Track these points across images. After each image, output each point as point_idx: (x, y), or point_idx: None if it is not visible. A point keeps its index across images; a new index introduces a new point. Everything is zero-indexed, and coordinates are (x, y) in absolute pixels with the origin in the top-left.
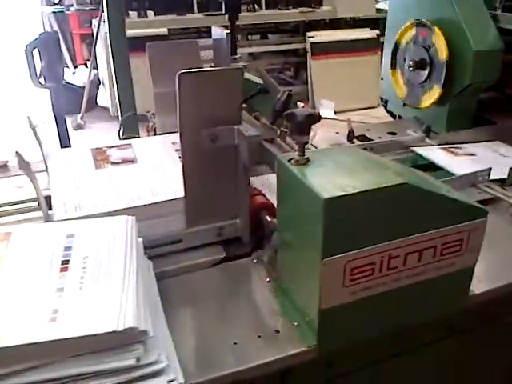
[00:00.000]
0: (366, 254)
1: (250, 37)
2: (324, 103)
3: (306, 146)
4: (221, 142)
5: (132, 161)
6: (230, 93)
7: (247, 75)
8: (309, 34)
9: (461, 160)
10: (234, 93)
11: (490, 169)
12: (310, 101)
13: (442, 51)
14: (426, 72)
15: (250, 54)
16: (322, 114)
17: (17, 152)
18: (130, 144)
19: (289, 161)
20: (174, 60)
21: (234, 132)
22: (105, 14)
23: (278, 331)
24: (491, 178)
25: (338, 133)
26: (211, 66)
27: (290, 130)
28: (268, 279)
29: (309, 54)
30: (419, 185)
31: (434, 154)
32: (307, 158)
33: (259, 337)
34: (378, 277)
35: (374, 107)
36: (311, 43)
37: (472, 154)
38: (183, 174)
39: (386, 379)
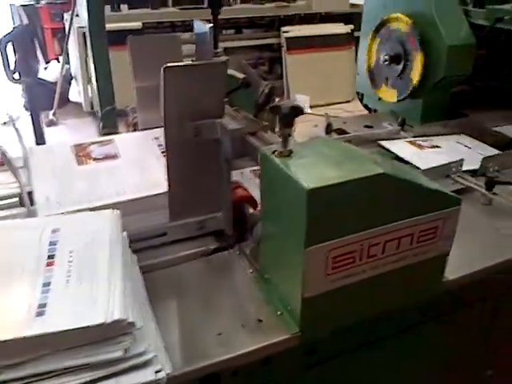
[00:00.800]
0: (348, 243)
1: (224, 31)
2: (299, 98)
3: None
4: (204, 136)
5: (114, 156)
6: (214, 86)
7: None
8: (283, 28)
9: (426, 153)
10: (218, 86)
11: (463, 160)
12: (286, 95)
13: (418, 51)
14: (401, 67)
15: (225, 48)
16: None
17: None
18: (111, 140)
19: (272, 153)
20: (156, 54)
21: (217, 125)
22: (79, 8)
23: (261, 320)
24: (464, 168)
25: (316, 126)
26: (192, 61)
27: (278, 122)
28: (251, 270)
29: (284, 49)
30: (397, 175)
31: (401, 148)
32: (290, 150)
33: (243, 326)
34: (359, 264)
35: (348, 101)
36: (286, 38)
37: (437, 146)
38: (167, 168)
39: (366, 365)
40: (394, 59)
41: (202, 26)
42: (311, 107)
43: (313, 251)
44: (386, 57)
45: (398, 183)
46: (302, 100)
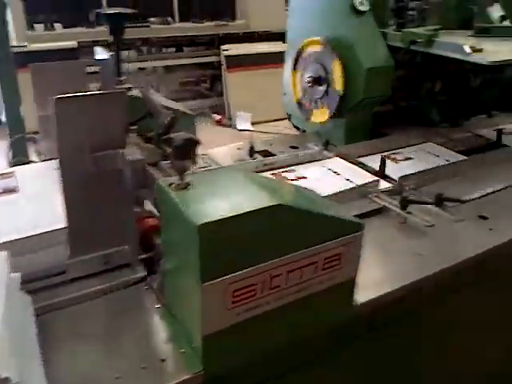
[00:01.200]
0: (247, 276)
1: (164, 49)
2: (240, 115)
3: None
4: (104, 167)
5: (13, 190)
6: (112, 117)
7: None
8: (223, 47)
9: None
10: (116, 117)
11: (378, 180)
12: (227, 113)
13: (338, 82)
14: (323, 88)
15: (166, 67)
16: (239, 127)
17: None
18: (12, 172)
19: (169, 185)
20: (59, 81)
21: (118, 156)
22: None
23: (163, 360)
24: (381, 187)
25: (239, 149)
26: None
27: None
28: (158, 305)
29: (224, 67)
30: (295, 205)
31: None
32: (187, 182)
33: (143, 368)
34: (262, 297)
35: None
36: (226, 56)
37: (410, 158)
38: (64, 202)
39: None
40: (316, 81)
41: (104, 53)
42: (253, 124)
43: (210, 286)
44: (309, 79)
45: (296, 213)
46: (244, 117)
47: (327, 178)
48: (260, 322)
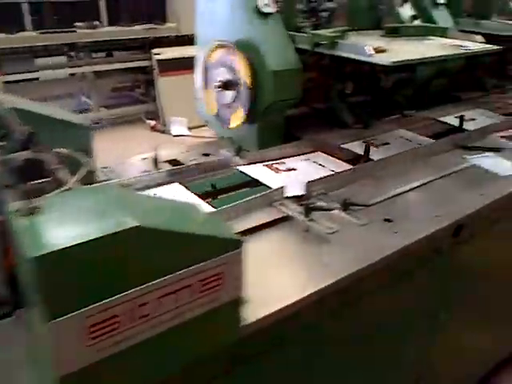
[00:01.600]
0: (106, 308)
1: (94, 54)
2: (175, 120)
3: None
4: None
5: None
6: None
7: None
8: (154, 51)
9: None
10: None
11: (283, 187)
12: (161, 119)
13: (246, 77)
14: (232, 93)
15: (97, 72)
16: (174, 132)
17: None
18: None
19: (17, 211)
20: None
21: None
22: None
23: None
24: (288, 195)
25: (145, 158)
26: None
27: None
28: (27, 343)
29: (156, 71)
30: (158, 225)
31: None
32: (35, 206)
33: None
34: (128, 328)
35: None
36: (157, 60)
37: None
38: None
39: None
40: (226, 86)
41: None
42: (190, 129)
43: (60, 324)
44: (218, 83)
45: (159, 234)
46: (179, 122)
47: (314, 169)
48: (130, 356)
